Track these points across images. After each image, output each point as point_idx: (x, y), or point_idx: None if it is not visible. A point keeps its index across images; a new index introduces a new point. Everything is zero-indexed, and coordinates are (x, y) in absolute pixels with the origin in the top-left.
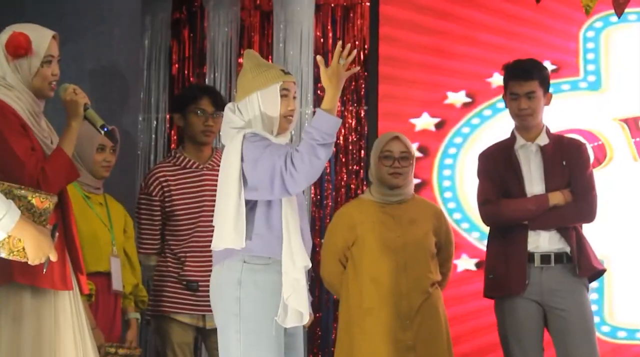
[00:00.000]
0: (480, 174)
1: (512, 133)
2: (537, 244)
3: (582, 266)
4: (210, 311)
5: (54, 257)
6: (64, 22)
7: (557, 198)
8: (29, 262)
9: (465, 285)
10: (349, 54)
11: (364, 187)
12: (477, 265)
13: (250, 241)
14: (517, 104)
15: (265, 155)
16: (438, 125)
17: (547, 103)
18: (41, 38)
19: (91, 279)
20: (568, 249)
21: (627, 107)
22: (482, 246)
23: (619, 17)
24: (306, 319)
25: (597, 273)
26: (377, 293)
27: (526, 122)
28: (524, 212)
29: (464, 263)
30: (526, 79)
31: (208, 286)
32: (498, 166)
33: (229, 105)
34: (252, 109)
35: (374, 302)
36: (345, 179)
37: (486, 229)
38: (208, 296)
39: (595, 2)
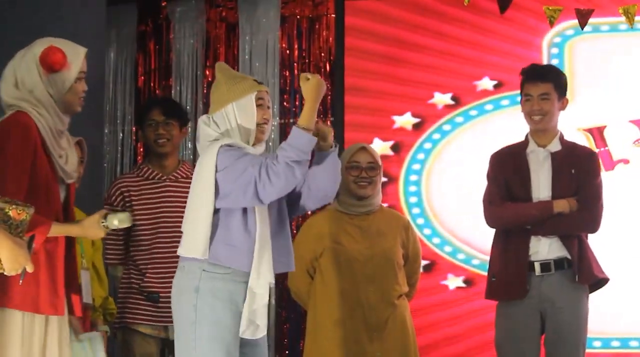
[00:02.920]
0: (489, 175)
1: (526, 136)
2: (537, 250)
3: (582, 273)
4: (172, 322)
5: (30, 269)
6: (28, 34)
7: (562, 206)
8: (6, 273)
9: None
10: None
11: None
12: (425, 268)
13: (217, 250)
14: (530, 105)
15: (239, 163)
16: (416, 126)
17: (563, 108)
18: (76, 54)
19: None
20: (569, 256)
21: (592, 117)
22: (442, 251)
23: (582, 28)
24: (262, 332)
25: (599, 282)
26: (344, 305)
27: (538, 125)
28: (528, 217)
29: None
30: (541, 80)
31: (169, 297)
32: (507, 168)
33: (202, 118)
34: (228, 120)
35: (341, 313)
36: None
37: (447, 237)
38: (169, 307)
39: (559, 12)
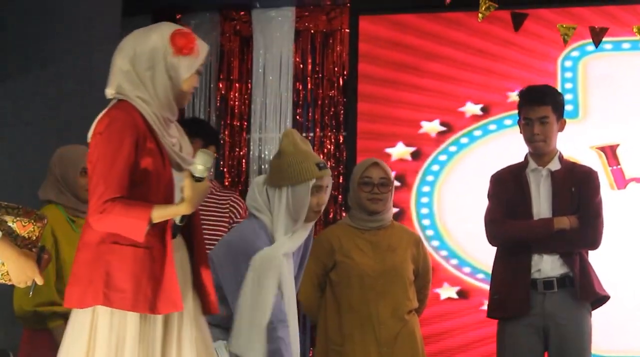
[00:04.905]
0: (490, 195)
1: (525, 157)
2: (540, 267)
3: (584, 290)
4: None
5: (39, 281)
6: (45, 43)
7: (562, 223)
8: (15, 284)
9: (448, 314)
10: None
11: (342, 213)
12: (458, 293)
13: None
14: (530, 129)
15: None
16: (414, 154)
17: (561, 129)
18: (203, 46)
19: None
20: (571, 273)
21: (604, 136)
22: (461, 273)
23: (596, 46)
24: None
25: (601, 299)
26: (355, 319)
27: (540, 149)
28: (529, 234)
29: (446, 292)
30: (539, 104)
31: None
32: (507, 187)
33: (258, 180)
34: (280, 200)
35: (352, 328)
36: None
37: (466, 257)
38: None
39: (573, 31)
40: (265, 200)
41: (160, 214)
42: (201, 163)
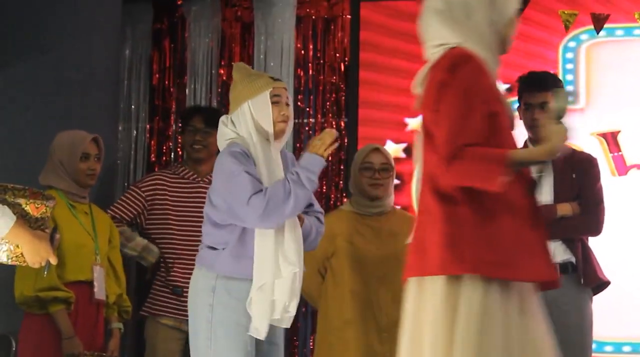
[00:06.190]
0: None
1: (525, 143)
2: None
3: (587, 275)
4: None
5: (53, 261)
6: (44, 31)
7: (565, 209)
8: (30, 265)
9: None
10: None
11: (344, 199)
12: None
13: (224, 261)
14: (530, 115)
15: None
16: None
17: None
18: None
19: (72, 287)
20: (573, 259)
21: (606, 122)
22: None
23: (597, 33)
24: (262, 334)
25: (602, 285)
26: (356, 305)
27: (539, 134)
28: None
29: None
30: (540, 90)
31: None
32: None
33: (222, 119)
34: (245, 119)
35: (352, 314)
36: (324, 190)
37: None
38: None
39: (575, 17)
40: (232, 128)
41: (519, 156)
42: (560, 102)
